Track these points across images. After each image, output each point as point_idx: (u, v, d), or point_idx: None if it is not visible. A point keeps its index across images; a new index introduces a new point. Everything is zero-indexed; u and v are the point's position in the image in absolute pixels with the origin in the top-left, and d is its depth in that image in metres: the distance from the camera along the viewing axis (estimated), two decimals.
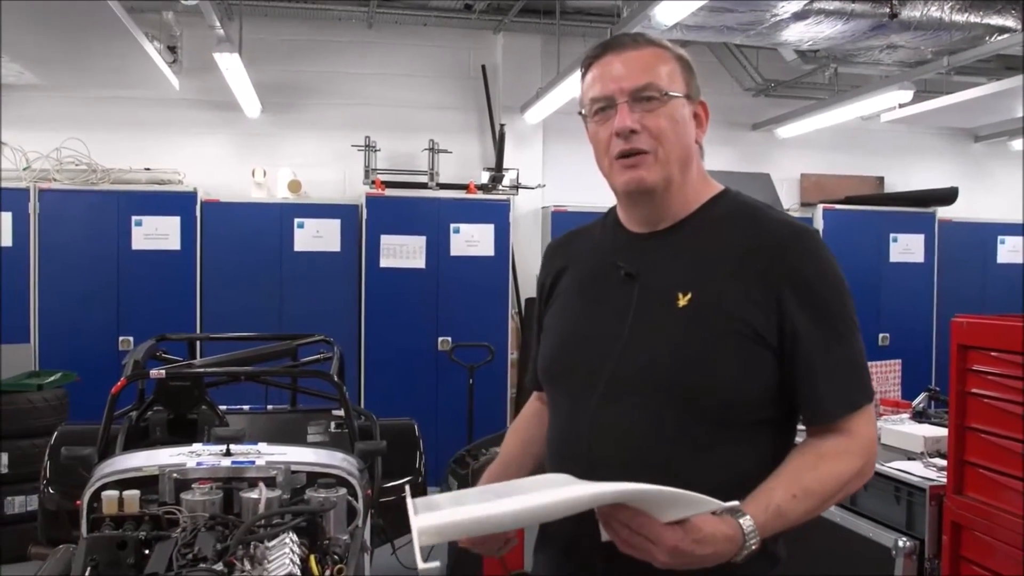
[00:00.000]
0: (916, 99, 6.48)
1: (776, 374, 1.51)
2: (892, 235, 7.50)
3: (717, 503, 1.35)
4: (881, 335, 7.38)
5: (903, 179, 8.22)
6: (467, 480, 4.32)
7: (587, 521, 1.43)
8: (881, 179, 8.29)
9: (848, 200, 7.59)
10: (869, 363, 3.95)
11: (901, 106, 6.65)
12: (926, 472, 2.98)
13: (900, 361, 4.04)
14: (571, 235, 1.83)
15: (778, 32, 5.67)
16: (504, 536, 1.62)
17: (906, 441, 3.29)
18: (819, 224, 7.31)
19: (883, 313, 7.41)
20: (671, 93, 1.56)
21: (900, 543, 2.84)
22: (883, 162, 8.28)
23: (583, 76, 1.65)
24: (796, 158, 8.10)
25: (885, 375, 3.95)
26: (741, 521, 1.38)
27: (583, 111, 1.64)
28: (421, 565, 1.28)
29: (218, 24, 5.40)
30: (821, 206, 7.42)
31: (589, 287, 1.67)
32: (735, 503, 1.37)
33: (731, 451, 1.50)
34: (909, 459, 3.16)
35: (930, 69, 6.10)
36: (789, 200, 7.91)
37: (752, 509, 1.40)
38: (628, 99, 1.55)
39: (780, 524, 1.43)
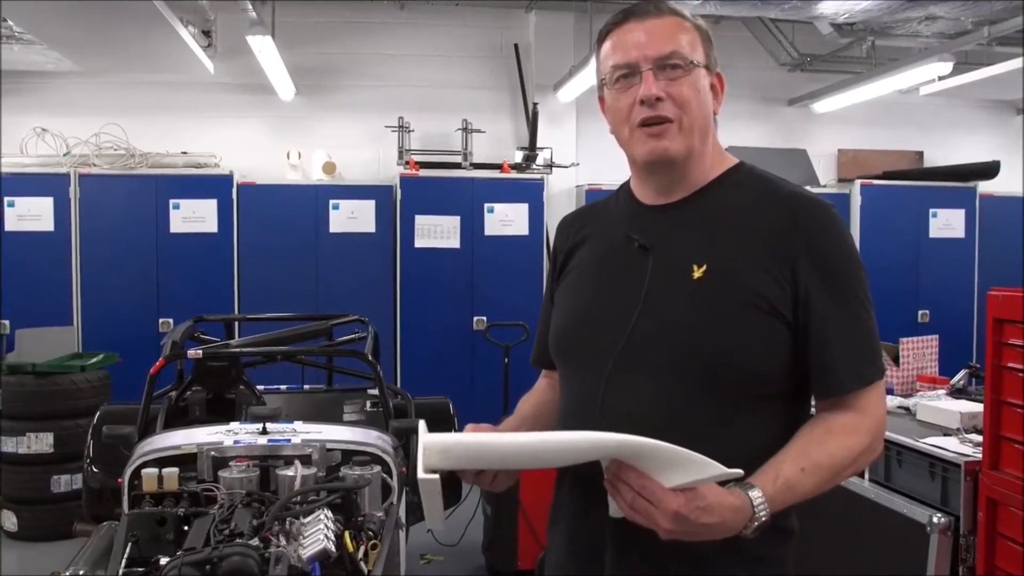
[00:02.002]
0: (956, 71, 6.36)
1: (790, 346, 1.50)
2: (932, 210, 7.37)
3: (721, 467, 1.33)
4: (921, 312, 7.29)
5: (943, 153, 8.07)
6: None
7: (597, 493, 1.43)
8: (920, 154, 8.15)
9: (886, 175, 7.48)
10: (906, 339, 3.91)
11: (940, 79, 6.54)
12: (962, 448, 2.95)
13: (937, 337, 3.99)
14: (584, 210, 1.83)
15: (813, 5, 5.59)
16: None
17: (942, 417, 3.25)
18: (856, 200, 7.22)
19: (923, 289, 7.32)
20: (695, 62, 1.55)
21: (935, 519, 2.81)
22: (922, 136, 8.13)
23: (600, 44, 1.63)
24: (833, 133, 7.98)
25: (922, 351, 3.90)
26: (750, 493, 1.37)
27: (603, 79, 1.62)
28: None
29: (250, 7, 5.43)
30: (859, 181, 7.31)
31: (603, 261, 1.66)
32: (739, 471, 1.35)
33: (744, 424, 1.49)
34: (945, 435, 3.12)
35: (970, 40, 5.98)
36: (826, 176, 7.81)
37: (761, 481, 1.39)
38: (653, 67, 1.54)
39: (789, 497, 1.42)
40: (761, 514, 1.37)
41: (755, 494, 1.37)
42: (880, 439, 1.53)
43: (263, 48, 5.77)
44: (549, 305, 1.79)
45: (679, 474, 1.32)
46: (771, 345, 1.49)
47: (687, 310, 1.51)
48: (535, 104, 7.07)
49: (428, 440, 1.33)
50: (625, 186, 1.73)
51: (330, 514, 2.58)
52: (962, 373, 3.84)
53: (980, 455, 2.81)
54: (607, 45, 1.61)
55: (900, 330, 4.36)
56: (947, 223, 7.41)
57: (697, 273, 1.51)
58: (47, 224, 6.35)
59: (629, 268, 1.59)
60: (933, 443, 3.02)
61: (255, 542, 2.35)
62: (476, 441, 1.37)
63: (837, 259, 1.51)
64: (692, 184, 1.61)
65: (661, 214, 1.62)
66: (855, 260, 1.54)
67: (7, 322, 6.23)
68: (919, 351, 3.89)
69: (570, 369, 1.67)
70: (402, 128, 6.92)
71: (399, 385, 6.20)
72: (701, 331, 1.49)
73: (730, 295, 1.49)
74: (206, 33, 6.70)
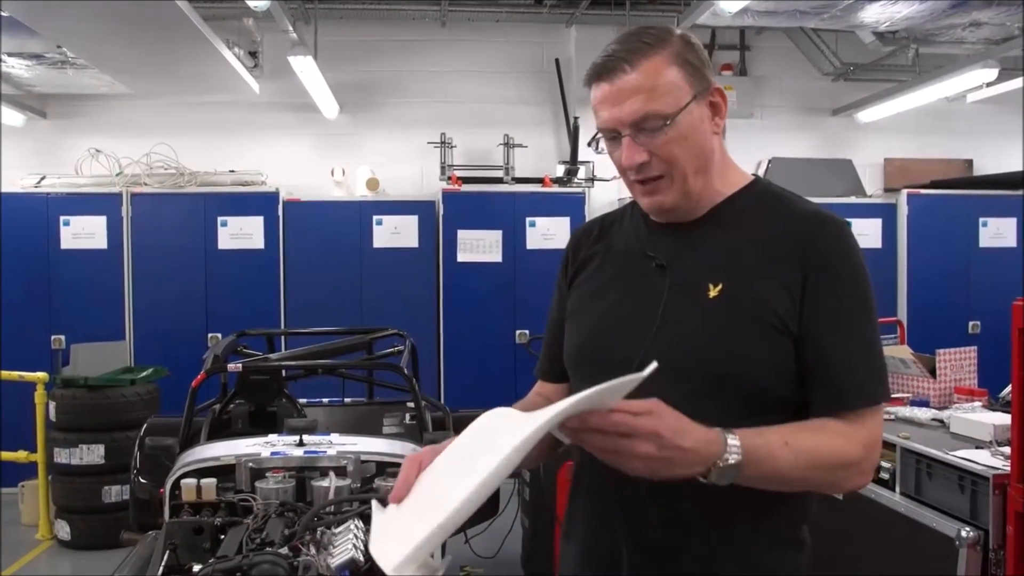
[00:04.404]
0: (1003, 77, 6.27)
1: (797, 361, 1.50)
2: (982, 219, 7.25)
3: (636, 374, 1.28)
4: (971, 323, 7.16)
5: (993, 161, 7.92)
6: (539, 471, 4.36)
7: (612, 506, 1.45)
8: (969, 162, 8.02)
9: (934, 184, 7.37)
10: (943, 350, 3.83)
11: (987, 85, 6.45)
12: (992, 460, 2.90)
13: (975, 348, 3.92)
14: (598, 222, 1.80)
15: (853, 14, 5.57)
16: None
17: (975, 429, 3.20)
18: (903, 210, 7.14)
19: (973, 300, 7.19)
20: (673, 115, 1.49)
21: (964, 533, 2.77)
22: (971, 144, 8.00)
23: (590, 91, 1.58)
24: (879, 143, 7.89)
25: (960, 362, 3.84)
26: (725, 434, 1.35)
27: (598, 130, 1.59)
28: None
29: (291, 29, 5.56)
30: (905, 191, 7.22)
31: (619, 277, 1.66)
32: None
33: None
34: (978, 448, 3.08)
35: (1016, 45, 5.90)
36: (873, 186, 7.72)
37: (741, 433, 1.36)
38: (631, 131, 1.50)
39: (766, 462, 1.38)
40: (732, 456, 1.34)
41: (730, 436, 1.35)
42: (871, 462, 1.50)
43: (305, 68, 5.90)
44: (559, 316, 1.77)
45: (613, 401, 1.30)
46: (782, 362, 1.49)
47: (703, 328, 1.52)
48: (576, 118, 7.10)
49: (397, 562, 1.19)
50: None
51: (361, 524, 2.63)
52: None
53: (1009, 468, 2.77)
54: (592, 97, 1.56)
55: (950, 341, 4.27)
56: (998, 232, 7.28)
57: (713, 292, 1.52)
58: (101, 242, 6.56)
59: (646, 285, 1.59)
60: (963, 455, 2.98)
61: (285, 551, 2.42)
62: (428, 533, 1.22)
63: (848, 274, 1.51)
64: (704, 206, 1.60)
65: (676, 232, 1.61)
66: (865, 278, 1.53)
67: (63, 337, 6.43)
68: (956, 363, 3.83)
69: (586, 385, 1.68)
70: (444, 144, 7.01)
71: (442, 399, 6.26)
72: (716, 349, 1.50)
73: (745, 314, 1.49)
74: (252, 54, 6.88)
